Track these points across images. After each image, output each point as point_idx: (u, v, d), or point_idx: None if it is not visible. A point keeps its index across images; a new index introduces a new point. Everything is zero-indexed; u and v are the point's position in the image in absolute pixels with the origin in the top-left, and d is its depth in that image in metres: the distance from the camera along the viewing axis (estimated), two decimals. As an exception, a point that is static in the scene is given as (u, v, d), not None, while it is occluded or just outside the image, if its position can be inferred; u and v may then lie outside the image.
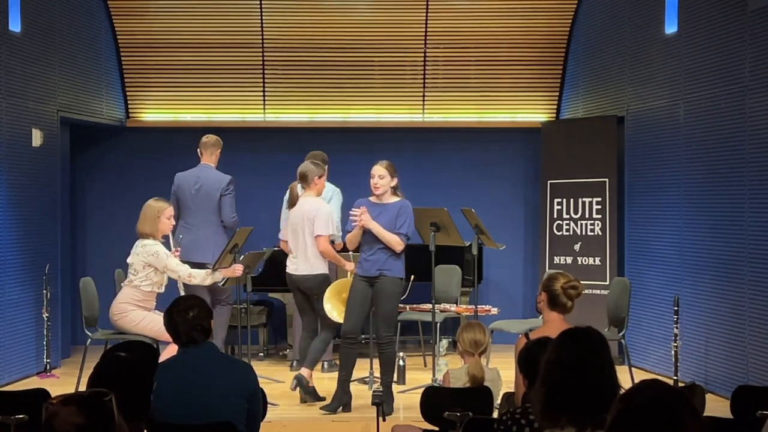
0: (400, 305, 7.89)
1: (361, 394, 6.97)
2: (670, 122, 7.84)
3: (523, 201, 9.93)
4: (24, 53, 7.81)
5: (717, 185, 7.25)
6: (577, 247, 8.90)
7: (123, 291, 6.81)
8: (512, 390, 4.83)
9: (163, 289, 6.90)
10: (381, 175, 6.68)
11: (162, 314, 6.83)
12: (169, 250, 6.92)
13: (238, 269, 6.97)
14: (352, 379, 6.80)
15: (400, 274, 6.65)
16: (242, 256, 7.26)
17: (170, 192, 7.82)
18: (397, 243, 6.56)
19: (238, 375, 4.04)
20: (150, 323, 6.66)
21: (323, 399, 6.88)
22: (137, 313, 6.72)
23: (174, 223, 6.98)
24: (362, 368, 7.34)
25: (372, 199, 6.73)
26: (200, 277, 6.72)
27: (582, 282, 5.15)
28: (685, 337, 7.46)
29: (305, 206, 7.17)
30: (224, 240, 7.55)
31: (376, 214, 6.57)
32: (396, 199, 6.70)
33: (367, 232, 6.57)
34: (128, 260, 6.79)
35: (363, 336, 7.34)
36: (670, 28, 7.81)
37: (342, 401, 6.64)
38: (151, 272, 6.72)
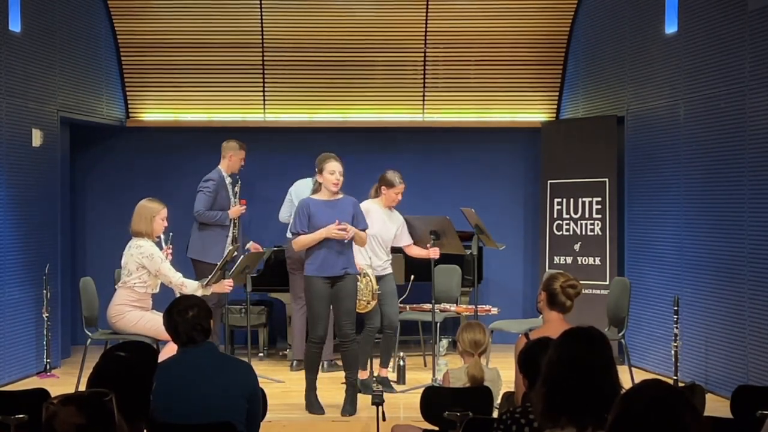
0: (399, 305, 7.93)
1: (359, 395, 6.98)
2: (670, 122, 7.84)
3: (523, 201, 9.93)
4: (24, 53, 7.81)
5: (717, 185, 7.25)
6: (577, 247, 8.89)
7: (118, 293, 6.81)
8: (512, 390, 4.83)
9: (157, 290, 6.90)
10: (341, 172, 6.65)
11: (160, 313, 6.92)
12: (161, 248, 6.93)
13: (227, 285, 6.99)
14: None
15: (356, 270, 6.77)
16: (242, 256, 7.30)
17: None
18: (365, 239, 6.75)
19: (238, 375, 4.04)
20: (148, 322, 6.67)
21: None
22: (134, 313, 6.73)
23: (166, 224, 7.00)
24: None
25: (318, 197, 6.69)
26: (191, 288, 6.72)
27: (582, 282, 5.16)
28: (685, 337, 7.46)
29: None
30: (201, 235, 8.21)
31: (332, 213, 6.58)
32: (341, 195, 6.74)
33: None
34: (122, 261, 6.80)
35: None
36: (670, 28, 7.81)
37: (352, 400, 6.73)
38: (144, 274, 6.73)
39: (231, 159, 8.37)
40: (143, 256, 6.71)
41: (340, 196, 6.69)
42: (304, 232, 6.58)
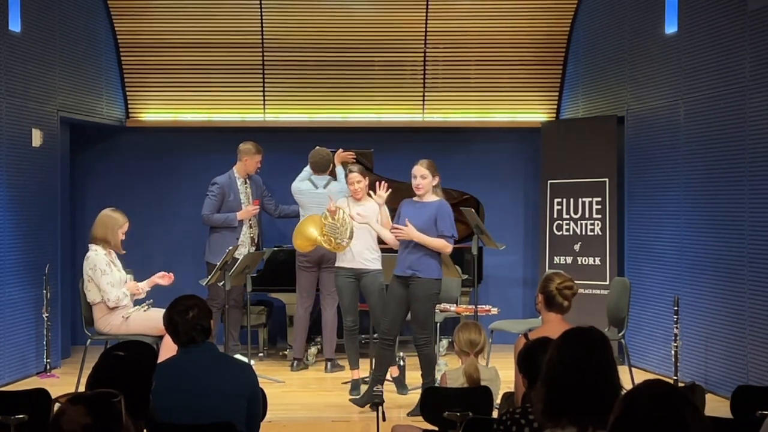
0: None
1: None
2: (670, 122, 7.84)
3: (523, 201, 9.93)
4: (24, 53, 7.81)
5: (717, 185, 7.25)
6: (577, 247, 8.89)
7: (93, 310, 6.87)
8: (512, 389, 4.83)
9: (126, 291, 6.91)
10: (423, 175, 6.58)
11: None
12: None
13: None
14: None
15: (434, 274, 6.50)
16: (243, 256, 7.31)
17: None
18: (444, 247, 6.48)
19: (238, 375, 4.03)
20: (136, 321, 6.74)
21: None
22: (118, 318, 6.79)
23: (123, 237, 7.03)
24: (362, 368, 7.35)
25: (414, 198, 6.69)
26: (124, 306, 6.85)
27: (582, 282, 5.17)
28: (685, 337, 7.46)
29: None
30: (209, 238, 8.29)
31: (414, 213, 6.50)
32: (434, 198, 6.62)
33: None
34: None
35: (375, 335, 7.33)
36: (670, 28, 7.81)
37: (371, 399, 6.58)
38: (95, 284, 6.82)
39: (246, 162, 8.37)
40: (88, 267, 6.79)
41: (432, 198, 6.61)
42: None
